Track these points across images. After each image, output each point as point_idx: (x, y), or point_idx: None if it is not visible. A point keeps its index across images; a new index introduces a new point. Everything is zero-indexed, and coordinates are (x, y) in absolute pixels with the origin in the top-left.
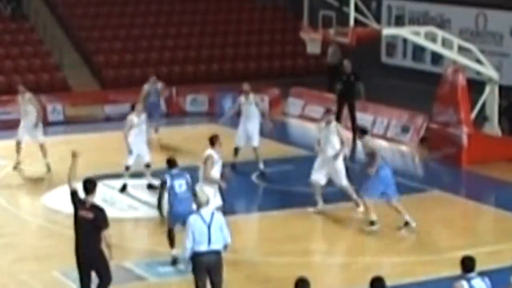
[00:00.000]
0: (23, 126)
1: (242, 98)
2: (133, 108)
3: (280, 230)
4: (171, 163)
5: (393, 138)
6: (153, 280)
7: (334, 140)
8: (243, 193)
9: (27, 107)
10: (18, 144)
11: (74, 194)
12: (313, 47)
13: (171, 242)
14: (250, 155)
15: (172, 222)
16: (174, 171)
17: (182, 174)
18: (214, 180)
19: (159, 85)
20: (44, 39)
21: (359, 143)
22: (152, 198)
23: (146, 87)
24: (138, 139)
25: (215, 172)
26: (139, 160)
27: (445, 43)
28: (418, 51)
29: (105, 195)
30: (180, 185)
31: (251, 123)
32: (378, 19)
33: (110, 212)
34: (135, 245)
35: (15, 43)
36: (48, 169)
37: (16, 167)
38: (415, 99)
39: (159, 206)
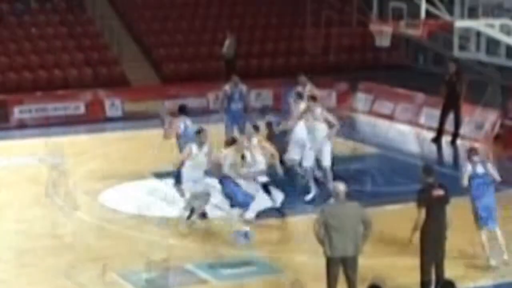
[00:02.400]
0: None
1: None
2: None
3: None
4: None
5: (466, 135)
6: (216, 283)
7: None
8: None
9: None
10: None
11: None
12: (382, 40)
13: None
14: None
15: None
16: None
17: None
18: None
19: (244, 88)
20: (102, 31)
21: None
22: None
23: (227, 88)
24: None
25: None
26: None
27: None
28: (492, 44)
29: (166, 194)
30: None
31: None
32: (450, 11)
33: (170, 212)
34: (196, 246)
35: (72, 36)
36: None
37: None
38: (489, 95)
39: None
